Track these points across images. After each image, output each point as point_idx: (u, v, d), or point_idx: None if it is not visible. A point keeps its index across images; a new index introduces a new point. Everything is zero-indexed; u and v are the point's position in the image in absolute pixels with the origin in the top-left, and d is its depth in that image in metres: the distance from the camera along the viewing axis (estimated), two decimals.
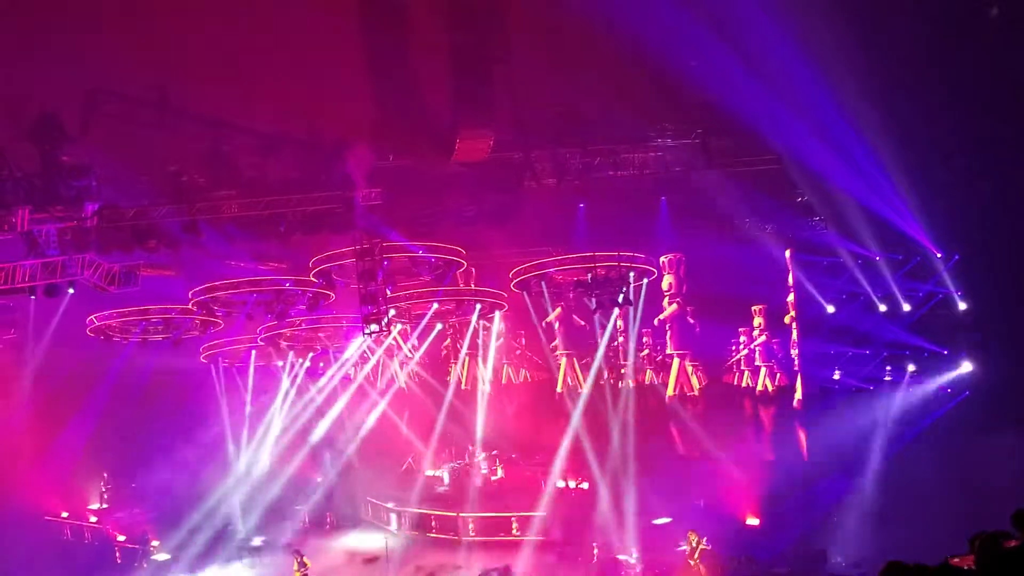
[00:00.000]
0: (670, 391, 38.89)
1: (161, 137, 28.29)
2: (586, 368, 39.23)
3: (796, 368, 36.22)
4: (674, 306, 38.24)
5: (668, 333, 38.91)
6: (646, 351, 39.98)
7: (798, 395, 35.96)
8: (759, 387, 37.35)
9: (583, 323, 39.15)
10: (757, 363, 37.60)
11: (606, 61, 27.17)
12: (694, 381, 39.01)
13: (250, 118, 28.95)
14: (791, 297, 36.10)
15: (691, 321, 38.88)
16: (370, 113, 28.65)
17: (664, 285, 37.92)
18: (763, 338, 37.56)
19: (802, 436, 36.02)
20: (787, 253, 35.81)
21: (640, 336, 39.64)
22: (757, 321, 37.67)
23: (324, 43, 27.08)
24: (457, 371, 41.95)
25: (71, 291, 29.09)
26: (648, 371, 39.79)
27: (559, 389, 39.84)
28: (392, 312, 33.74)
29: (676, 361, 38.85)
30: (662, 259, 37.25)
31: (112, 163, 28.44)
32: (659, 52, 25.30)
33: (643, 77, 27.24)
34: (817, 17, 24.83)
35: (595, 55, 27.09)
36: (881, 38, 26.54)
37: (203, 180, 29.66)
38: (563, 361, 40.25)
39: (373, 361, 40.86)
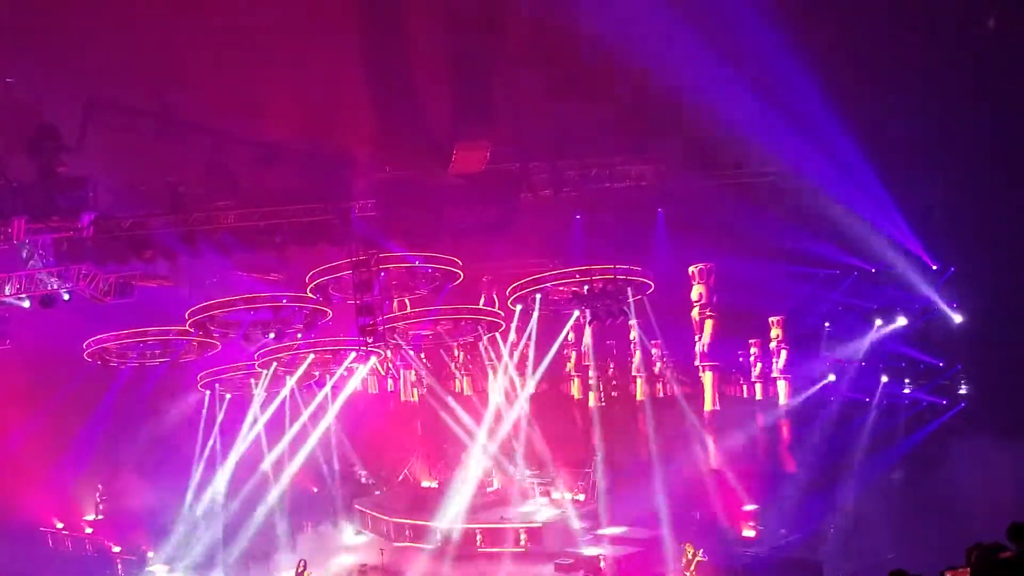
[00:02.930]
0: (708, 406, 38.84)
1: (159, 147, 28.29)
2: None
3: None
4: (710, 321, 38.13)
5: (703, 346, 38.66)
6: (659, 364, 39.86)
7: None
8: (783, 400, 37.18)
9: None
10: (775, 374, 37.32)
11: (604, 73, 27.18)
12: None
13: (248, 129, 28.96)
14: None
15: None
16: (368, 124, 28.67)
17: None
18: (784, 349, 37.43)
19: (772, 446, 36.18)
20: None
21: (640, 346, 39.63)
22: (775, 332, 37.34)
23: (322, 54, 27.10)
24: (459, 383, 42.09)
25: (66, 297, 29.05)
26: (660, 383, 39.74)
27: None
28: (395, 341, 33.94)
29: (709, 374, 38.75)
30: (691, 269, 36.89)
31: (109, 173, 28.46)
32: (657, 64, 25.33)
33: (641, 89, 27.27)
34: (816, 31, 24.91)
35: (593, 66, 27.10)
36: (880, 52, 26.62)
37: (200, 191, 29.65)
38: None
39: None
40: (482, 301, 37.29)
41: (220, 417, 39.58)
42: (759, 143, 29.95)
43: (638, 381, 39.01)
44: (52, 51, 25.19)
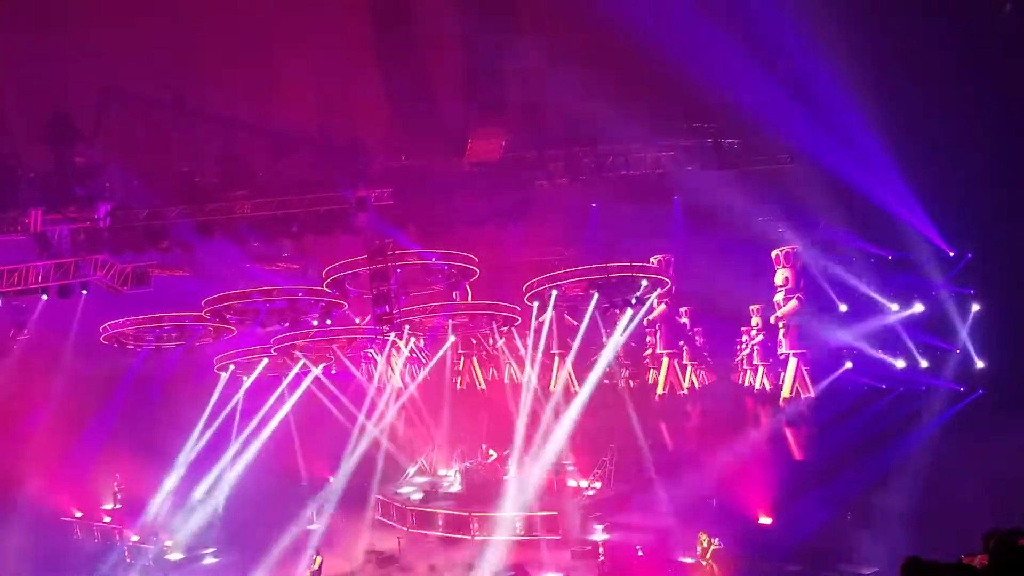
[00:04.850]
0: (660, 390, 39.20)
1: (174, 138, 28.36)
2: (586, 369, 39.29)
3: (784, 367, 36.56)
4: (662, 306, 38.50)
5: (658, 333, 39.14)
6: (649, 351, 40.15)
7: (785, 393, 36.16)
8: (757, 385, 37.44)
9: (575, 322, 38.92)
10: (755, 362, 37.73)
11: (619, 60, 27.14)
12: (692, 380, 39.37)
13: (263, 119, 29.00)
14: (779, 296, 36.26)
15: (685, 321, 39.26)
16: (383, 113, 28.67)
17: None
18: (760, 337, 37.67)
19: (790, 435, 36.23)
20: (774, 253, 35.92)
21: (643, 336, 39.90)
22: (755, 321, 37.75)
23: (337, 44, 27.14)
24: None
25: (84, 292, 29.17)
26: (651, 371, 39.94)
27: (553, 388, 39.88)
28: (407, 329, 34.05)
29: (665, 360, 39.17)
30: (652, 260, 37.10)
31: (125, 164, 28.54)
32: (672, 51, 25.26)
33: (656, 76, 27.19)
34: (830, 16, 24.79)
35: (608, 54, 27.07)
36: (894, 36, 26.48)
37: (216, 181, 29.68)
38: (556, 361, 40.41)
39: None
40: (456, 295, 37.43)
41: (236, 399, 39.88)
42: (776, 130, 29.86)
43: (688, 370, 39.38)
44: (68, 42, 25.27)
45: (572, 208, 35.04)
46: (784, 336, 36.72)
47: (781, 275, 36.05)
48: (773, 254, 36.04)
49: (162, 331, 36.07)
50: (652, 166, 32.17)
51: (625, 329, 37.38)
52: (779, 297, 36.33)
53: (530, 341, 39.34)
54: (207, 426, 39.48)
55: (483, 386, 42.91)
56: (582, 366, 39.08)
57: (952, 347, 34.92)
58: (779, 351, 36.86)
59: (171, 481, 38.66)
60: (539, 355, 39.22)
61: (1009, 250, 30.79)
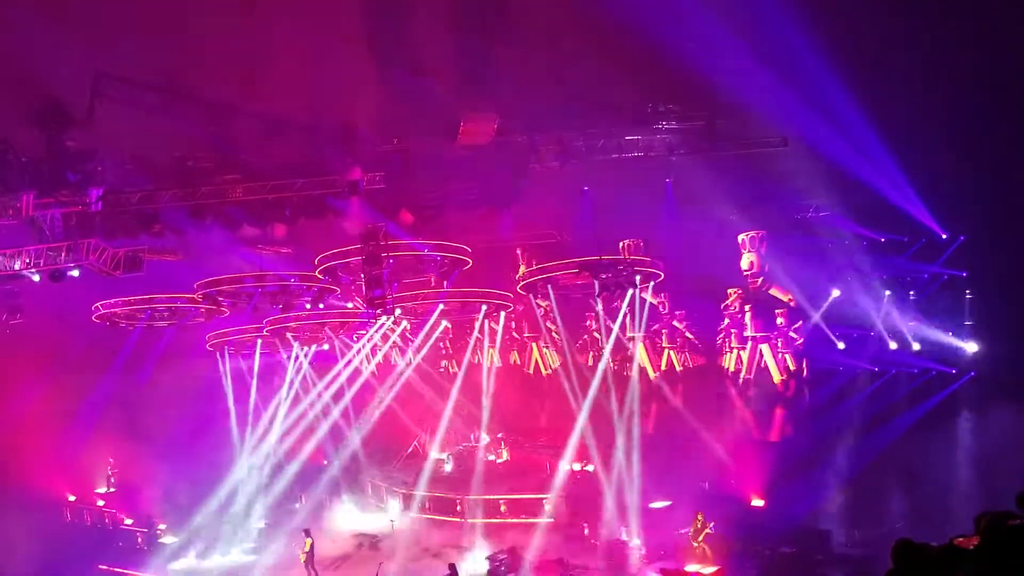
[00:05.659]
0: (651, 373, 39.26)
1: (166, 122, 28.27)
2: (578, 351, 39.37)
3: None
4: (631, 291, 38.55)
5: (627, 317, 39.09)
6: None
7: (775, 377, 36.32)
8: (744, 370, 37.51)
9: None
10: (733, 345, 37.77)
11: (610, 43, 27.08)
12: (674, 363, 39.55)
13: (255, 103, 28.91)
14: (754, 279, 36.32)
15: (663, 302, 39.36)
16: (374, 97, 28.60)
17: None
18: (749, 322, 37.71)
19: (780, 417, 36.33)
20: (741, 237, 35.96)
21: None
22: (734, 305, 37.82)
23: (328, 27, 27.04)
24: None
25: (75, 273, 29.09)
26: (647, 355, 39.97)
27: (546, 371, 39.92)
28: (399, 311, 34.04)
29: (640, 345, 39.24)
30: (621, 244, 37.03)
31: (117, 148, 28.46)
32: (664, 34, 25.22)
33: (647, 59, 27.14)
34: (826, 4, 24.79)
35: (599, 37, 27.01)
36: (887, 18, 26.46)
37: (208, 165, 29.58)
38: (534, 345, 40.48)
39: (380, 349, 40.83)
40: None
41: (251, 396, 39.89)
42: (769, 114, 29.83)
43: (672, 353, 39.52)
44: (60, 26, 25.14)
45: (564, 191, 34.98)
46: (751, 320, 36.88)
47: (747, 259, 35.94)
48: (739, 238, 35.87)
49: (154, 311, 36.02)
50: (644, 149, 32.13)
51: (641, 314, 37.38)
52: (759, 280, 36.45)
53: (547, 331, 39.62)
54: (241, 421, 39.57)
55: (455, 370, 42.89)
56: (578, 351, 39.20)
57: (945, 329, 35.00)
58: (744, 334, 37.04)
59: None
60: (567, 342, 39.38)
61: (1002, 233, 30.82)
